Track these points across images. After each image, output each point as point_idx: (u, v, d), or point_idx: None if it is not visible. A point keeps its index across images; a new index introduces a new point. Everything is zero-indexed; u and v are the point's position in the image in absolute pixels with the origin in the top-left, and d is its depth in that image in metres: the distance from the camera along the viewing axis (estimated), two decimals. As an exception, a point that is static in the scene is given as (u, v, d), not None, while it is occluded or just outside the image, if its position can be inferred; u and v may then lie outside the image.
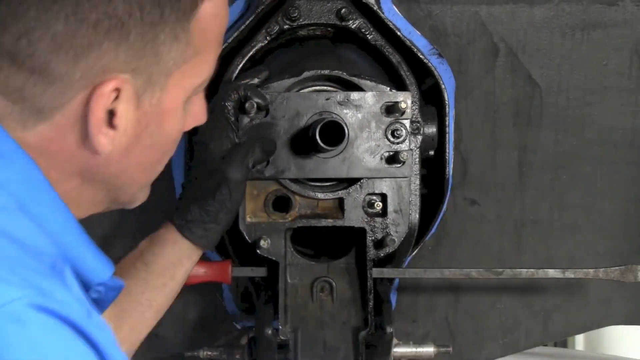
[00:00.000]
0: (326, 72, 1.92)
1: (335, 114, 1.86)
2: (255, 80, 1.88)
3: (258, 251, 1.91)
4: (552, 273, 2.01)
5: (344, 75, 1.91)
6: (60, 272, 1.24)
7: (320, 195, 1.93)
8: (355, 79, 1.91)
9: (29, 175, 1.28)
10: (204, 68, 1.38)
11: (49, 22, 1.23)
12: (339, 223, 1.93)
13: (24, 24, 1.23)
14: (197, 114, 1.48)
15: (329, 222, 1.93)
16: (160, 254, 1.75)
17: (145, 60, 1.27)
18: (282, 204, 1.93)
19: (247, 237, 1.91)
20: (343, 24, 2.03)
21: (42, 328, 1.11)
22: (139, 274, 1.74)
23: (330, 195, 1.93)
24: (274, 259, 1.91)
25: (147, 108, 1.31)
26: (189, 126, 1.46)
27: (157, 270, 1.75)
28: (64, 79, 1.25)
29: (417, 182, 1.99)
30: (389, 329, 1.86)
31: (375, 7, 2.05)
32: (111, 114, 1.27)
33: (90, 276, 1.36)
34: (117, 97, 1.26)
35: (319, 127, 1.77)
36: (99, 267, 1.38)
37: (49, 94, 1.26)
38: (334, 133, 1.79)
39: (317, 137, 1.77)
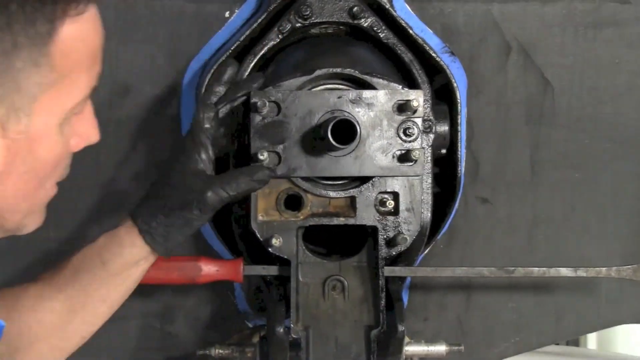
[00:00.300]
0: (338, 70, 1.91)
1: (347, 112, 1.86)
2: (253, 87, 1.86)
3: (270, 250, 1.91)
4: (564, 272, 2.00)
5: (356, 74, 1.91)
6: None
7: (332, 194, 1.93)
8: (367, 77, 1.91)
9: None
10: (74, 91, 1.35)
11: None
12: (350, 221, 1.92)
13: None
14: (85, 133, 1.45)
15: (340, 221, 1.93)
16: (119, 253, 1.74)
17: (3, 88, 1.26)
18: (293, 202, 1.93)
19: (258, 236, 1.91)
20: (355, 22, 2.03)
21: None
22: (96, 271, 1.74)
23: (342, 194, 1.93)
24: (285, 257, 1.91)
25: (14, 135, 1.29)
26: (76, 147, 1.44)
27: (114, 269, 1.75)
28: None
29: (429, 180, 1.99)
30: (401, 328, 1.85)
31: (387, 5, 2.05)
32: None
33: None
34: None
35: (330, 125, 1.77)
36: None
37: None
38: (346, 131, 1.79)
39: (329, 135, 1.77)
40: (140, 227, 1.74)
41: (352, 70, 1.91)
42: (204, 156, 1.79)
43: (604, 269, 2.02)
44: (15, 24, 1.24)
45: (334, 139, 1.77)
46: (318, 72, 1.91)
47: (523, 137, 2.19)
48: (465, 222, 2.22)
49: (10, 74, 1.26)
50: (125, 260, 1.75)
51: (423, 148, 1.94)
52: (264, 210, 1.92)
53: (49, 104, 1.32)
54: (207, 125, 1.81)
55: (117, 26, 2.10)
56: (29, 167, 1.34)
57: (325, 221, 1.92)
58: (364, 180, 1.92)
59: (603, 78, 2.17)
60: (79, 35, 1.32)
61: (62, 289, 1.73)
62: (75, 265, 1.74)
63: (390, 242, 1.93)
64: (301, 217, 1.93)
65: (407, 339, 2.08)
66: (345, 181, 1.94)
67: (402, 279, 2.10)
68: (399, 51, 2.04)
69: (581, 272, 2.01)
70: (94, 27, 1.36)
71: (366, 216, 1.92)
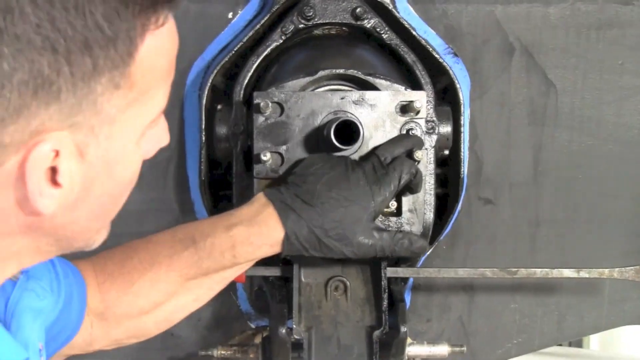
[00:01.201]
0: (341, 71, 1.92)
1: (350, 113, 1.86)
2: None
3: (272, 250, 1.90)
4: (567, 273, 2.00)
5: (359, 75, 1.91)
6: None
7: (334, 195, 1.93)
8: (370, 78, 1.91)
9: None
10: (154, 105, 1.26)
11: None
12: (353, 222, 1.92)
13: None
14: (158, 139, 1.35)
15: (343, 221, 1.92)
16: (253, 253, 1.74)
17: (82, 114, 1.15)
18: (296, 203, 1.93)
19: (261, 237, 1.91)
20: (358, 23, 2.03)
21: None
22: (224, 262, 1.74)
23: (344, 195, 1.93)
24: (288, 258, 1.90)
25: (93, 160, 1.19)
26: (149, 154, 1.34)
27: (242, 261, 1.75)
28: None
29: (432, 181, 1.99)
30: (403, 329, 1.85)
31: (391, 7, 2.05)
32: (53, 171, 1.15)
33: None
34: (57, 155, 1.15)
35: (333, 126, 1.77)
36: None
37: None
38: (349, 132, 1.79)
39: (332, 136, 1.77)
40: (288, 235, 1.72)
41: (355, 71, 1.91)
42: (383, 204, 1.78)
43: (607, 270, 2.02)
44: (94, 47, 1.12)
45: (337, 140, 1.77)
46: (321, 73, 1.91)
47: (526, 138, 2.19)
48: (468, 223, 2.22)
49: (90, 99, 1.15)
50: (256, 258, 1.76)
51: (426, 149, 1.94)
52: (267, 211, 1.92)
53: (128, 123, 1.22)
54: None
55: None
56: (105, 189, 1.24)
57: (328, 222, 1.92)
58: (366, 181, 1.91)
59: (606, 79, 2.17)
60: (159, 49, 1.22)
61: (182, 273, 1.74)
62: (201, 250, 1.73)
63: (393, 243, 1.92)
64: (304, 217, 1.92)
65: (409, 340, 2.08)
66: (348, 182, 1.93)
67: (404, 279, 2.10)
68: (402, 52, 2.04)
69: (584, 273, 2.00)
70: (172, 38, 1.26)
71: (369, 217, 1.92)
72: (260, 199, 1.76)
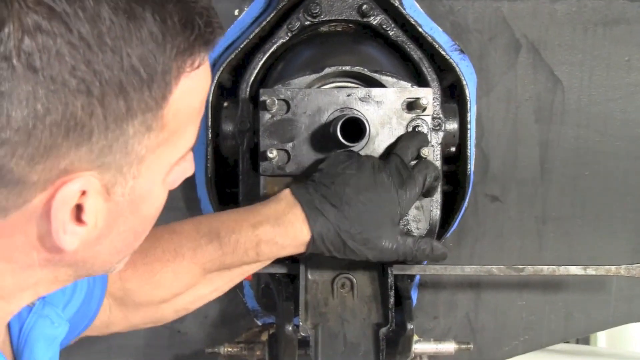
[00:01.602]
0: (347, 68, 1.91)
1: (356, 110, 1.86)
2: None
3: (279, 247, 1.90)
4: (574, 270, 2.00)
5: (365, 72, 1.91)
6: None
7: (341, 192, 1.92)
8: (376, 75, 1.91)
9: None
10: (183, 144, 1.24)
11: None
12: (359, 219, 1.92)
13: None
14: (183, 171, 1.32)
15: (349, 219, 1.92)
16: (277, 253, 1.77)
17: (112, 156, 1.15)
18: (303, 200, 1.93)
19: (268, 234, 1.91)
20: (364, 20, 2.03)
21: None
22: (248, 260, 1.76)
23: (351, 192, 1.92)
24: (295, 256, 1.90)
25: (119, 198, 1.19)
26: (174, 186, 1.32)
27: (263, 261, 1.79)
28: (19, 182, 1.11)
29: (439, 178, 1.99)
30: (410, 326, 1.85)
31: (397, 3, 2.05)
32: (79, 209, 1.15)
33: None
34: (83, 194, 1.14)
35: (340, 123, 1.77)
36: None
37: (2, 196, 1.12)
38: (355, 129, 1.79)
39: (338, 133, 1.77)
40: (315, 239, 1.74)
41: (361, 68, 1.91)
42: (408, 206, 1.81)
43: (614, 267, 2.01)
44: (129, 89, 1.11)
45: (343, 137, 1.77)
46: (327, 70, 1.91)
47: (533, 135, 2.18)
48: (475, 220, 2.21)
49: (122, 141, 1.14)
50: (279, 256, 1.79)
51: (432, 146, 1.94)
52: (273, 209, 1.91)
53: (157, 162, 1.21)
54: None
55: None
56: (129, 226, 1.24)
57: (334, 219, 1.92)
58: (373, 178, 1.91)
59: (613, 76, 2.17)
60: (193, 90, 1.20)
61: (205, 267, 1.75)
62: (226, 246, 1.74)
63: (400, 240, 1.92)
64: (310, 215, 1.92)
65: (416, 337, 2.07)
66: (355, 179, 1.93)
67: (411, 277, 2.09)
68: (408, 49, 2.04)
69: (591, 270, 2.00)
70: (206, 78, 1.24)
71: (375, 214, 1.92)
72: (287, 196, 1.77)
